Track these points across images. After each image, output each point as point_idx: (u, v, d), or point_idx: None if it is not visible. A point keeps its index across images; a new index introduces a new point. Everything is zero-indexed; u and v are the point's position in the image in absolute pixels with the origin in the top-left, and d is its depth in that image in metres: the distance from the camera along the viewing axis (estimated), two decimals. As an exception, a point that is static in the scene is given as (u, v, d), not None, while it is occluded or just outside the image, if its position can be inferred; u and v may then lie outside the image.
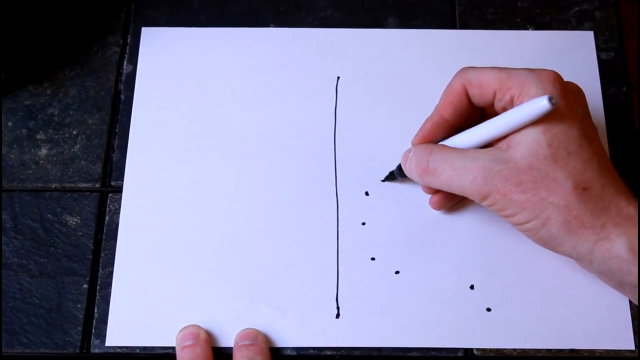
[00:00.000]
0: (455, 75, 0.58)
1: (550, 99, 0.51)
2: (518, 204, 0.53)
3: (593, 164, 0.53)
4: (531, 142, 0.53)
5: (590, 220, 0.52)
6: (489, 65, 0.57)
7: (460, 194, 0.56)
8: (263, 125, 0.65)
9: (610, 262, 0.52)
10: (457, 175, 0.55)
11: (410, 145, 0.59)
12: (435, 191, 0.60)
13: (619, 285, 0.55)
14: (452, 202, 0.61)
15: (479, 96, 0.56)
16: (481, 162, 0.54)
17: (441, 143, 0.58)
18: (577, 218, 0.52)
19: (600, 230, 0.52)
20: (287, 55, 0.68)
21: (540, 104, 0.51)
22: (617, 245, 0.52)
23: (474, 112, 0.58)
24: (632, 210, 0.53)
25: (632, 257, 0.52)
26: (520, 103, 0.54)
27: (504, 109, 0.55)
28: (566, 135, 0.53)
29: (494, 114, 0.56)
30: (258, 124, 0.65)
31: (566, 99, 0.54)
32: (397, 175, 0.62)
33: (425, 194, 0.61)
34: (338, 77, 0.66)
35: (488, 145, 0.56)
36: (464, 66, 0.58)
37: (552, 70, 0.55)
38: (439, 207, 0.61)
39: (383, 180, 0.62)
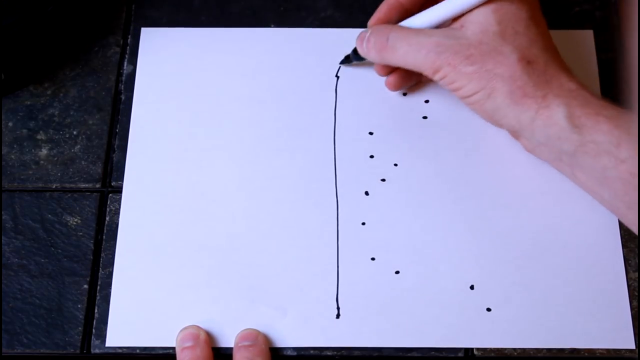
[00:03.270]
0: None
1: None
2: (466, 75, 0.57)
3: (538, 43, 0.58)
4: (482, 20, 0.57)
5: (533, 90, 0.56)
6: None
7: (415, 69, 0.60)
8: (263, 125, 0.65)
9: (549, 130, 0.56)
10: (412, 50, 0.59)
11: None
12: (390, 71, 0.64)
13: (557, 159, 0.58)
14: (408, 83, 0.65)
15: None
16: (435, 38, 0.58)
17: (399, 25, 0.62)
18: (520, 88, 0.56)
19: (542, 100, 0.56)
20: (287, 55, 0.68)
21: None
22: (557, 114, 0.55)
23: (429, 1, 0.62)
24: (572, 85, 0.56)
25: (569, 125, 0.55)
26: None
27: None
28: (514, 16, 0.58)
29: None
30: (258, 124, 0.65)
31: None
32: (352, 58, 0.65)
33: (426, 196, 0.61)
34: (338, 77, 0.66)
35: (443, 26, 0.60)
36: None
37: None
38: (395, 87, 0.65)
39: (340, 63, 0.66)
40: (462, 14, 0.58)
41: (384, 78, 0.65)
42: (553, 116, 0.55)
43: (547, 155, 0.59)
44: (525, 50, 0.57)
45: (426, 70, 0.59)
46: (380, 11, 0.63)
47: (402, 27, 0.61)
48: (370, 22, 0.64)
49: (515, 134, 0.60)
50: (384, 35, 0.60)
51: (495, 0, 0.57)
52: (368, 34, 0.62)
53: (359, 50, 0.63)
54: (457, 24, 0.59)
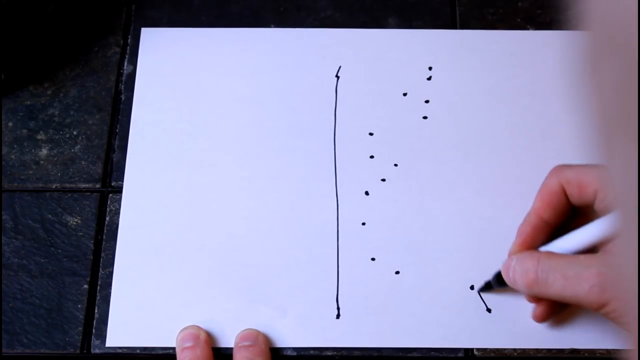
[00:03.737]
0: (551, 174, 0.55)
1: None
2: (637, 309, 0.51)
3: None
4: None
5: None
6: (582, 164, 0.54)
7: (575, 304, 0.54)
8: (263, 126, 0.65)
9: None
10: (571, 285, 0.51)
11: None
12: (539, 300, 0.56)
13: None
14: (557, 312, 0.57)
15: (579, 196, 0.54)
16: (596, 269, 0.51)
17: (544, 249, 0.55)
18: None
19: None
20: (287, 55, 0.68)
21: None
22: None
23: (571, 212, 0.56)
24: None
25: None
26: None
27: (608, 209, 0.52)
28: None
29: (593, 212, 0.54)
30: (258, 124, 0.65)
31: None
32: (494, 285, 0.58)
33: (426, 196, 0.61)
34: (338, 77, 0.66)
35: (594, 249, 0.53)
36: (560, 164, 0.55)
37: None
38: (544, 319, 0.57)
39: (480, 291, 0.59)
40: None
41: (384, 78, 0.65)
42: None
43: None
44: None
45: (589, 305, 0.52)
46: (524, 233, 0.55)
47: (552, 255, 0.53)
48: (514, 248, 0.56)
49: None
50: (532, 267, 0.53)
51: None
52: (513, 262, 0.54)
53: (506, 280, 0.55)
54: (611, 248, 0.51)
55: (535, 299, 0.56)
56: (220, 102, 0.66)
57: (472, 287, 0.59)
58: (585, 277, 0.51)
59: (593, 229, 0.52)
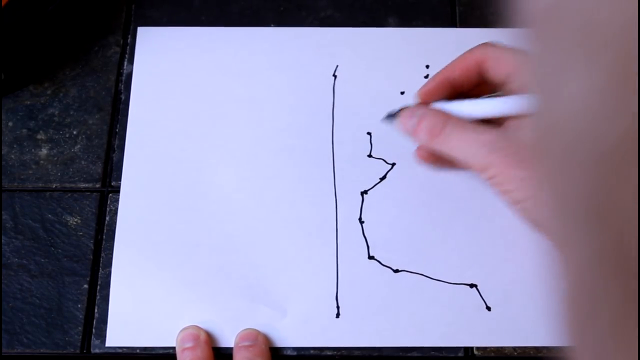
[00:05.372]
0: (478, 46, 0.58)
1: None
2: (517, 179, 0.54)
3: None
4: None
5: None
6: (509, 46, 0.57)
7: (463, 163, 0.57)
8: (261, 125, 0.65)
9: None
10: (465, 146, 0.56)
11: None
12: (430, 154, 0.61)
13: None
14: (438, 163, 0.62)
15: (494, 72, 0.57)
16: (489, 136, 0.55)
17: (448, 103, 0.58)
18: None
19: None
20: (284, 54, 0.68)
21: None
22: None
23: (483, 84, 0.59)
24: None
25: None
26: None
27: (513, 91, 0.56)
28: None
29: (503, 92, 0.57)
30: (256, 123, 0.65)
31: None
32: (387, 120, 0.62)
33: (425, 195, 0.61)
34: (335, 76, 0.66)
35: (497, 122, 0.57)
36: (489, 41, 0.58)
37: None
38: (425, 160, 0.62)
39: (383, 119, 0.62)
40: (521, 114, 0.55)
41: (382, 77, 0.65)
42: None
43: None
44: None
45: (474, 166, 0.56)
46: (430, 85, 0.60)
47: (459, 119, 0.57)
48: (419, 94, 0.60)
49: None
50: (440, 123, 0.57)
51: None
52: (419, 113, 0.58)
53: (403, 125, 0.59)
54: (513, 124, 0.56)
55: (427, 151, 0.61)
56: (218, 101, 0.66)
57: (472, 286, 0.59)
58: (478, 140, 0.55)
59: (500, 101, 0.56)
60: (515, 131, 0.55)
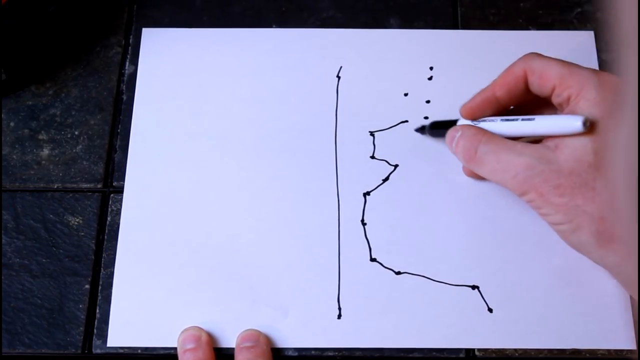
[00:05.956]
0: (520, 59, 0.57)
1: (584, 123, 0.52)
2: (554, 206, 0.53)
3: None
4: (577, 146, 0.53)
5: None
6: (553, 57, 0.56)
7: (502, 186, 0.57)
8: (264, 126, 0.65)
9: (635, 279, 0.51)
10: (501, 169, 0.55)
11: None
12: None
13: None
14: (483, 178, 0.61)
15: (538, 86, 0.56)
16: (526, 159, 0.54)
17: (488, 122, 0.58)
18: (608, 230, 0.52)
19: None
20: (288, 55, 0.68)
21: (573, 124, 0.52)
22: None
23: (530, 98, 0.58)
24: None
25: None
26: (577, 104, 0.54)
27: (560, 106, 0.56)
28: None
29: (551, 105, 0.57)
30: (259, 124, 0.65)
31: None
32: (427, 132, 0.63)
33: (427, 197, 0.61)
34: (339, 78, 0.66)
35: (539, 139, 0.56)
36: (532, 52, 0.57)
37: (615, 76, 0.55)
38: (470, 175, 0.62)
39: (416, 130, 0.64)
40: (557, 136, 0.54)
41: (385, 79, 0.65)
42: None
43: (634, 295, 0.56)
44: None
45: (513, 190, 0.56)
46: (474, 101, 0.59)
47: (493, 138, 0.56)
48: (462, 110, 0.59)
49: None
50: (473, 145, 0.57)
51: (596, 127, 0.52)
52: (458, 135, 0.58)
53: (450, 147, 0.59)
54: (551, 142, 0.54)
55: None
56: (221, 102, 0.66)
57: (473, 287, 0.59)
58: (514, 164, 0.55)
59: (530, 125, 0.56)
60: (555, 151, 0.54)
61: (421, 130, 0.63)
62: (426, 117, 0.65)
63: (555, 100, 0.56)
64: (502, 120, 0.58)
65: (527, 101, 0.58)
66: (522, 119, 0.57)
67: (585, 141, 0.53)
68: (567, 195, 0.53)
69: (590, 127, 0.52)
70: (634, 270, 0.50)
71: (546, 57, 0.57)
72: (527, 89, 0.57)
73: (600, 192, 0.52)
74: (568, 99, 0.55)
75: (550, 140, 0.55)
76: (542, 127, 0.55)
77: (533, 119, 0.56)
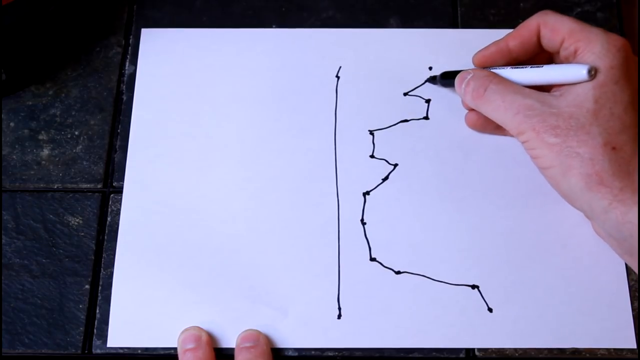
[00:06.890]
0: (536, 14, 0.59)
1: (589, 71, 0.54)
2: (547, 145, 0.54)
3: (631, 130, 0.54)
4: (580, 93, 0.55)
5: (611, 179, 0.53)
6: (568, 16, 0.58)
7: (502, 126, 0.58)
8: (264, 126, 0.65)
9: (622, 227, 0.52)
10: (504, 107, 0.57)
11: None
12: (476, 113, 0.62)
13: (627, 253, 0.55)
14: (486, 129, 0.63)
15: (548, 40, 0.58)
16: (529, 101, 0.56)
17: (499, 70, 0.60)
18: (597, 174, 0.53)
19: (618, 192, 0.52)
20: (288, 55, 0.68)
21: (579, 72, 0.54)
22: (631, 212, 0.52)
23: (541, 53, 0.60)
24: None
25: None
26: (583, 56, 0.56)
27: (567, 59, 0.58)
28: (615, 97, 0.54)
29: (558, 60, 0.59)
30: (259, 124, 0.65)
31: (627, 65, 0.55)
32: (439, 82, 0.65)
33: (427, 196, 0.61)
34: (338, 77, 0.66)
35: (545, 89, 0.58)
36: (548, 10, 0.59)
37: (623, 38, 0.56)
38: (473, 124, 0.63)
39: (426, 80, 0.66)
40: (563, 84, 0.56)
41: (388, 79, 0.65)
42: (627, 213, 0.52)
43: (616, 248, 0.57)
44: (615, 135, 0.53)
45: (511, 130, 0.57)
46: (487, 50, 0.61)
47: (503, 80, 0.58)
48: (474, 58, 0.62)
49: (588, 217, 0.57)
50: (482, 85, 0.59)
51: (600, 77, 0.55)
52: (469, 76, 0.60)
53: (457, 90, 0.61)
54: (557, 92, 0.56)
55: (472, 109, 0.62)
56: (221, 102, 0.66)
57: (473, 287, 0.59)
58: (517, 104, 0.56)
59: (536, 72, 0.58)
60: (559, 97, 0.55)
61: (432, 80, 0.65)
62: (425, 117, 0.65)
63: (563, 53, 0.58)
64: (511, 68, 0.59)
65: (537, 60, 0.61)
66: (531, 67, 0.58)
67: (588, 89, 0.55)
68: (561, 136, 0.54)
69: (594, 75, 0.54)
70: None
71: (560, 14, 0.58)
72: (538, 42, 0.59)
73: (594, 136, 0.53)
74: (575, 52, 0.56)
75: (557, 89, 0.57)
76: (549, 75, 0.57)
77: (541, 67, 0.58)
